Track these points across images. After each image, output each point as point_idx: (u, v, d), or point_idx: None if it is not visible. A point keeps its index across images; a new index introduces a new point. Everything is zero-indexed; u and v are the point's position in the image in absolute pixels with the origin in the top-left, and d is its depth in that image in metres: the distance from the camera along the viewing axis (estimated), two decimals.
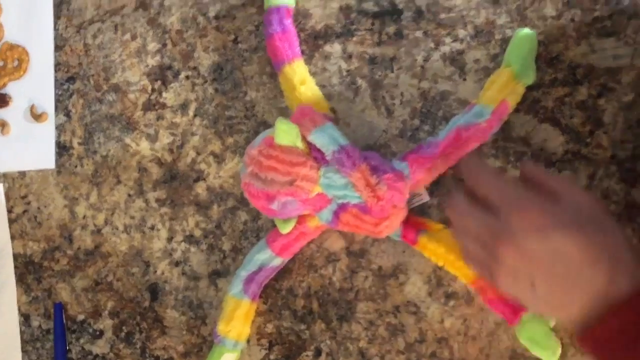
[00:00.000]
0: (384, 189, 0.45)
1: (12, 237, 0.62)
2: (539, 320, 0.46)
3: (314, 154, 0.48)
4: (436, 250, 0.48)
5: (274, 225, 0.54)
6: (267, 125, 0.55)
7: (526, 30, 0.48)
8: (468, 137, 0.48)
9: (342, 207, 0.47)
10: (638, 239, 0.47)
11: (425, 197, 0.50)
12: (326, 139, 0.46)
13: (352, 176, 0.45)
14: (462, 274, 0.48)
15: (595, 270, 0.37)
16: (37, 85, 0.62)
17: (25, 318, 0.62)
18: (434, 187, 0.51)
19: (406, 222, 0.49)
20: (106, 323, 0.58)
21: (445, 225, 0.49)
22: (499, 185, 0.41)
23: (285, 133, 0.45)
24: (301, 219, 0.51)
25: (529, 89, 0.49)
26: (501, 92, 0.48)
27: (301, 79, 0.52)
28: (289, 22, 0.53)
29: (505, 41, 0.50)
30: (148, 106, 0.57)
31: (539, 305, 0.40)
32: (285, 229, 0.49)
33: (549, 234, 0.37)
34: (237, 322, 0.52)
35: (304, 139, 0.47)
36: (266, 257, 0.52)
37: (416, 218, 0.50)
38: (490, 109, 0.47)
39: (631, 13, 0.48)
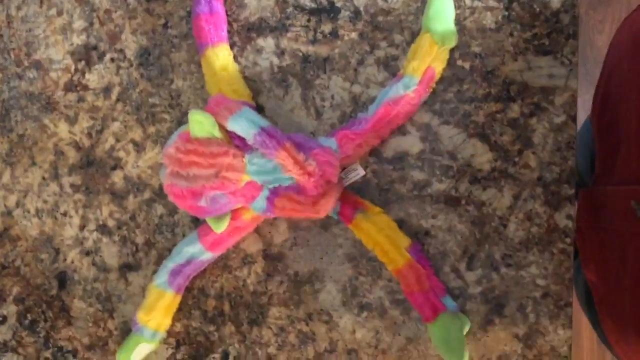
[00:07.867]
0: (314, 164, 0.43)
1: None
2: (455, 322, 0.45)
3: (236, 142, 0.45)
4: (368, 230, 0.47)
5: (194, 219, 0.52)
6: None
7: None
8: (398, 110, 0.46)
9: (275, 192, 0.45)
10: (558, 263, 0.46)
11: (361, 172, 0.48)
12: (245, 123, 0.43)
13: (279, 156, 0.43)
14: (390, 259, 0.47)
15: None
16: None
17: None
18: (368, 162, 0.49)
19: (344, 200, 0.48)
20: (10, 309, 0.55)
21: (384, 210, 0.48)
22: None
23: (200, 124, 0.43)
24: (235, 214, 0.48)
25: (461, 102, 0.48)
26: (425, 59, 0.46)
27: (223, 64, 0.49)
28: (218, 4, 0.50)
29: None
30: (70, 87, 0.54)
31: None
32: (220, 228, 0.46)
33: None
34: (158, 312, 0.50)
35: (222, 128, 0.44)
36: (196, 251, 0.49)
37: (356, 197, 0.48)
38: (417, 79, 0.46)
39: (569, 33, 0.47)
